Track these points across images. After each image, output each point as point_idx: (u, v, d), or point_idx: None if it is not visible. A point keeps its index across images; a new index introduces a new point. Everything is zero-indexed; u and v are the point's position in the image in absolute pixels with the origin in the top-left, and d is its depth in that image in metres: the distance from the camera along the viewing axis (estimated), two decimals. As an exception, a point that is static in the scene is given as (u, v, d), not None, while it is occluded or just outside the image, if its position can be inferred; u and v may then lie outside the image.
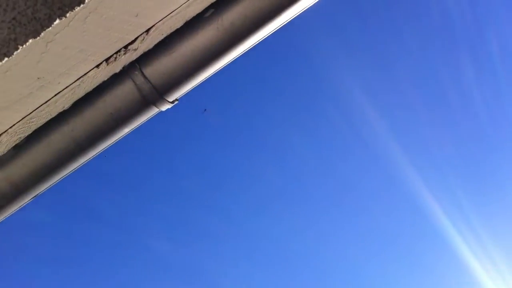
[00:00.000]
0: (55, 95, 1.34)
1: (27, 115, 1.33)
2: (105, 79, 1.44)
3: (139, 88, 1.48)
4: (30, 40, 1.03)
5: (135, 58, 1.46)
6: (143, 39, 1.43)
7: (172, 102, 1.60)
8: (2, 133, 1.33)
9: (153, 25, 1.42)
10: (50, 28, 1.04)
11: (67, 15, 1.05)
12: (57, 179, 1.54)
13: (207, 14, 1.52)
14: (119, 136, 1.55)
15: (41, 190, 1.55)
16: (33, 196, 1.56)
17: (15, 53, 1.03)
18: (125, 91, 1.47)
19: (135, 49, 1.43)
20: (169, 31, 1.49)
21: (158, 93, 1.51)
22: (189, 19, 1.51)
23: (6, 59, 1.03)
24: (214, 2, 1.52)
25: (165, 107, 1.59)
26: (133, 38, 1.40)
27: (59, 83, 1.32)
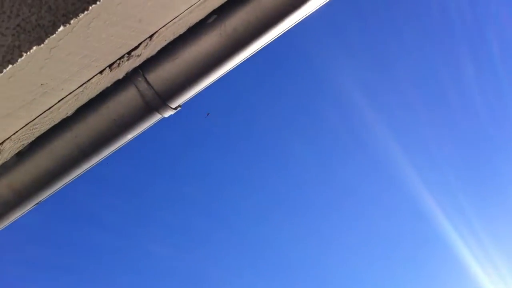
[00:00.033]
0: (59, 101, 1.33)
1: (31, 122, 1.32)
2: (109, 85, 1.44)
3: (142, 95, 1.48)
4: (34, 47, 1.03)
5: (138, 64, 1.46)
6: (146, 45, 1.43)
7: (175, 109, 1.59)
8: (5, 140, 1.33)
9: (156, 31, 1.42)
10: (54, 35, 1.03)
11: (71, 22, 1.05)
12: (60, 186, 1.53)
13: (210, 20, 1.52)
14: (122, 143, 1.55)
15: (44, 196, 1.55)
16: (36, 203, 1.55)
17: (19, 60, 1.03)
18: (128, 98, 1.47)
19: (139, 55, 1.43)
20: (172, 37, 1.49)
21: (161, 100, 1.51)
22: (192, 25, 1.51)
23: (10, 66, 1.03)
24: (217, 8, 1.52)
25: (168, 113, 1.59)
26: (136, 44, 1.40)
27: (62, 89, 1.31)
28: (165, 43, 1.48)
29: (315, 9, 1.75)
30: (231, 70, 1.70)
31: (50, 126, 1.40)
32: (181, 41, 1.51)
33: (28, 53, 1.03)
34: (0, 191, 1.49)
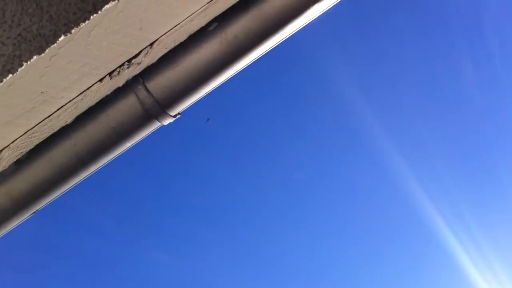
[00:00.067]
0: (58, 109, 1.32)
1: (30, 130, 1.31)
2: (108, 93, 1.43)
3: (142, 102, 1.47)
4: (35, 57, 1.02)
5: (138, 72, 1.45)
6: (146, 53, 1.42)
7: (175, 116, 1.58)
8: (3, 148, 1.32)
9: (157, 39, 1.41)
10: (55, 44, 1.03)
11: (72, 31, 1.04)
12: (58, 194, 1.52)
13: (211, 28, 1.51)
14: (121, 150, 1.54)
15: (42, 205, 1.53)
16: (34, 211, 1.54)
17: (19, 69, 1.02)
18: (128, 105, 1.46)
19: (139, 63, 1.42)
20: (172, 45, 1.48)
21: (161, 107, 1.50)
22: (192, 32, 1.50)
23: (10, 75, 1.02)
24: (218, 16, 1.51)
25: (167, 121, 1.58)
26: (136, 52, 1.39)
27: (62, 97, 1.30)
28: (165, 51, 1.48)
29: (317, 16, 1.75)
30: (232, 77, 1.70)
31: (49, 134, 1.39)
32: (182, 49, 1.50)
33: (29, 62, 1.02)
34: (-2, 199, 1.48)
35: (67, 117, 1.39)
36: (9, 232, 1.60)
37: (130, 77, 1.45)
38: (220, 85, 1.67)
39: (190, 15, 1.42)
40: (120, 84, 1.44)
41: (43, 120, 1.31)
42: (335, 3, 1.75)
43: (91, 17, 1.06)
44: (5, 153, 1.33)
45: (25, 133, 1.31)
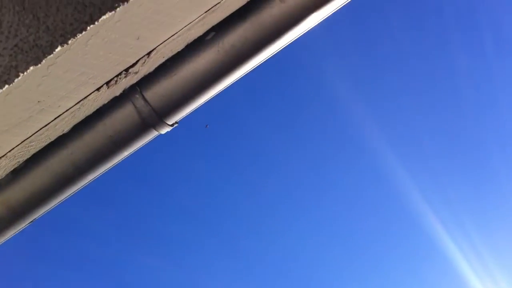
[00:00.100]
0: (55, 118, 1.32)
1: (26, 139, 1.31)
2: (105, 102, 1.43)
3: (139, 111, 1.47)
4: (31, 67, 1.02)
5: (135, 81, 1.46)
6: (144, 62, 1.42)
7: (172, 125, 1.59)
8: (0, 157, 1.31)
9: (155, 48, 1.41)
10: (52, 55, 1.03)
11: (69, 42, 1.04)
12: (55, 203, 1.52)
13: (208, 37, 1.52)
14: (118, 159, 1.54)
15: (39, 214, 1.53)
16: (31, 220, 1.54)
17: (15, 80, 1.02)
18: (125, 114, 1.46)
19: (136, 72, 1.42)
20: (170, 54, 1.48)
21: (158, 116, 1.50)
22: (190, 42, 1.50)
23: (6, 86, 1.02)
24: (216, 25, 1.52)
25: (164, 130, 1.58)
26: (134, 61, 1.39)
27: (59, 106, 1.30)
28: (163, 60, 1.48)
29: (314, 25, 1.75)
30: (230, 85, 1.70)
31: (46, 143, 1.39)
32: (179, 58, 1.50)
33: (25, 73, 1.02)
34: (-5, 208, 1.47)
35: (64, 126, 1.39)
36: (6, 241, 1.60)
37: (128, 86, 1.45)
38: (218, 94, 1.68)
39: (188, 25, 1.43)
40: (117, 93, 1.45)
41: (40, 129, 1.31)
42: (333, 12, 1.76)
43: (88, 28, 1.06)
44: (2, 162, 1.33)
45: (22, 142, 1.31)
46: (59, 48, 1.04)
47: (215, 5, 1.42)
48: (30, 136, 1.32)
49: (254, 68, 1.70)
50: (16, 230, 1.56)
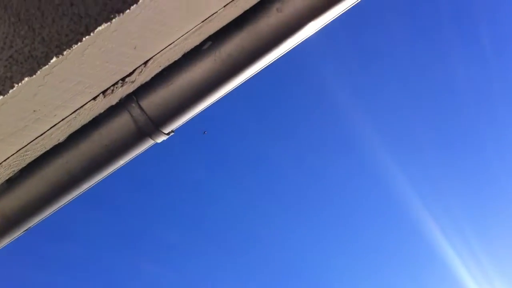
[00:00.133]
0: (51, 127, 1.32)
1: (22, 148, 1.31)
2: (102, 111, 1.43)
3: (135, 120, 1.47)
4: (26, 79, 1.02)
5: (132, 90, 1.46)
6: (141, 71, 1.42)
7: (168, 134, 1.58)
8: (-5, 167, 1.31)
9: (151, 57, 1.41)
10: (47, 66, 1.03)
11: (64, 53, 1.04)
12: (50, 212, 1.52)
13: (205, 47, 1.52)
14: (114, 168, 1.54)
15: (34, 222, 1.52)
16: (26, 229, 1.53)
17: (10, 91, 1.02)
18: (121, 123, 1.46)
19: (133, 81, 1.42)
20: (167, 63, 1.49)
21: (154, 125, 1.50)
22: (187, 51, 1.51)
23: (1, 97, 1.02)
24: (213, 35, 1.52)
25: (160, 139, 1.58)
26: (130, 70, 1.39)
27: (55, 115, 1.30)
28: (159, 69, 1.48)
29: (311, 34, 1.75)
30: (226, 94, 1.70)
31: (42, 152, 1.39)
32: (176, 67, 1.50)
33: (20, 84, 1.02)
34: (-10, 216, 1.47)
35: (60, 135, 1.39)
36: (1, 249, 1.59)
37: (124, 95, 1.45)
38: (214, 103, 1.68)
39: (185, 34, 1.43)
40: (114, 102, 1.44)
41: (36, 138, 1.31)
42: (330, 21, 1.76)
43: (84, 39, 1.06)
44: (-3, 171, 1.33)
45: (17, 151, 1.31)
46: (54, 59, 1.04)
47: (212, 14, 1.43)
48: (26, 145, 1.32)
49: (251, 77, 1.70)
50: (10, 239, 1.55)
